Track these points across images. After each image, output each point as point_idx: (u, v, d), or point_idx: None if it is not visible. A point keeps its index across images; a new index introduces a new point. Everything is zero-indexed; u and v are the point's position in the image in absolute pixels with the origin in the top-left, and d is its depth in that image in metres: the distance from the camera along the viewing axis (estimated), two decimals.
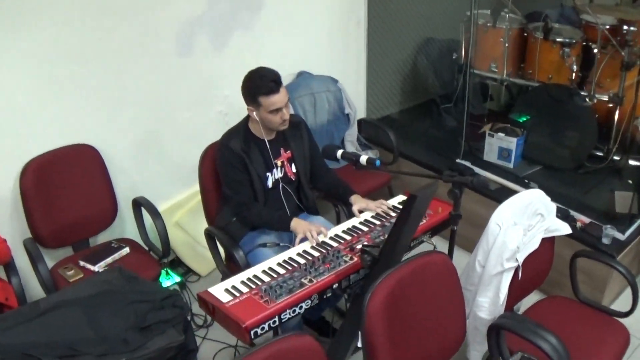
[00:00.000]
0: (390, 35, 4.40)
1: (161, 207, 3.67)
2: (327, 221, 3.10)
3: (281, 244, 2.91)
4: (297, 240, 2.73)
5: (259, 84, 2.71)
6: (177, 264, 3.80)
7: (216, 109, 3.72)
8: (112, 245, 3.22)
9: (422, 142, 4.31)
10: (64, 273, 3.03)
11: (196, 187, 3.23)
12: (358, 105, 4.42)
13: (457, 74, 4.39)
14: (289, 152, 3.00)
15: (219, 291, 2.41)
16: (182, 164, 3.65)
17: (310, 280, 2.41)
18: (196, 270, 3.74)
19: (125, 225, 3.53)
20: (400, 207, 2.96)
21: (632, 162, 3.91)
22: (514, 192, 3.63)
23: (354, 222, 2.87)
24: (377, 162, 2.66)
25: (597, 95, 3.87)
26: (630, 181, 3.81)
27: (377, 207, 2.93)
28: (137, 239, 3.37)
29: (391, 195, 4.10)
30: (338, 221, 3.76)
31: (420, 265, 2.27)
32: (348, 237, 2.73)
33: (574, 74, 3.95)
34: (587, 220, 3.42)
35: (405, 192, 3.10)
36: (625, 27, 3.79)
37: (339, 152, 2.77)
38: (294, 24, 3.94)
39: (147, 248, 3.34)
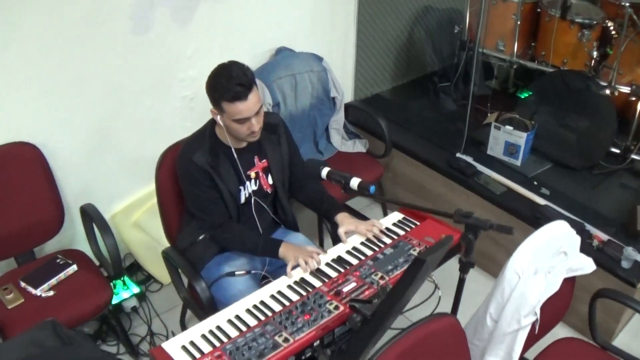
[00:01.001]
0: (383, 2, 3.83)
1: (117, 207, 3.23)
2: (309, 240, 2.67)
3: (252, 272, 2.47)
4: (289, 268, 2.30)
5: (224, 86, 2.20)
6: (136, 269, 3.35)
7: (180, 94, 3.20)
8: (58, 261, 2.75)
9: (417, 128, 3.81)
10: (3, 296, 2.58)
11: None
12: (345, 83, 3.91)
13: (459, 51, 3.86)
14: (264, 161, 2.52)
15: (175, 349, 1.98)
16: (142, 159, 3.15)
17: (286, 340, 1.97)
18: (158, 278, 3.29)
19: (75, 233, 3.06)
20: (395, 228, 2.51)
21: None
22: (522, 196, 3.23)
23: (339, 250, 2.42)
24: (372, 189, 2.19)
25: (617, 86, 3.39)
26: None
27: (368, 231, 2.48)
28: (89, 250, 2.90)
29: (382, 193, 3.66)
30: (320, 237, 3.37)
31: (426, 335, 1.83)
32: (333, 274, 2.28)
33: (593, 61, 3.45)
34: (604, 237, 3.00)
35: (400, 209, 2.65)
36: None
37: (324, 172, 2.30)
38: None
39: (97, 262, 2.88)
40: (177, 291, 2.63)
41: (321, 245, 3.35)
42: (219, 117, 2.30)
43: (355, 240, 2.47)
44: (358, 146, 3.54)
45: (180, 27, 3.04)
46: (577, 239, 2.35)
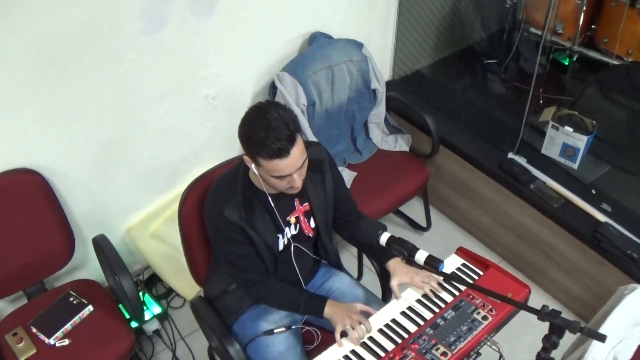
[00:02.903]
0: None
1: (134, 219, 2.92)
2: (355, 282, 2.38)
3: (293, 327, 2.20)
4: (337, 335, 2.01)
5: (262, 140, 1.81)
6: (156, 280, 3.08)
7: (202, 92, 2.79)
8: (71, 299, 2.46)
9: (462, 115, 3.40)
10: (13, 344, 2.33)
11: (176, 192, 2.48)
12: (384, 59, 3.47)
13: (510, 28, 3.39)
14: (306, 204, 2.18)
15: None
16: (158, 168, 2.84)
17: None
18: (180, 292, 3.01)
19: (88, 259, 2.76)
20: (454, 281, 2.21)
21: None
22: (580, 209, 2.90)
23: (394, 312, 2.12)
24: (442, 266, 1.86)
25: None
26: None
27: (424, 284, 2.17)
28: (104, 279, 2.62)
29: (426, 203, 3.31)
30: (360, 271, 3.11)
31: None
32: (388, 345, 1.99)
33: None
34: None
35: (459, 249, 2.34)
36: None
37: (384, 238, 1.94)
38: None
39: (114, 297, 2.60)
40: (208, 341, 2.37)
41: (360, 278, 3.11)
42: (253, 165, 1.94)
43: (410, 297, 2.16)
44: (400, 143, 3.17)
45: (200, 21, 2.59)
46: None
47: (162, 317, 2.91)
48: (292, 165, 1.86)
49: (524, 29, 3.34)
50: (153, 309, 2.88)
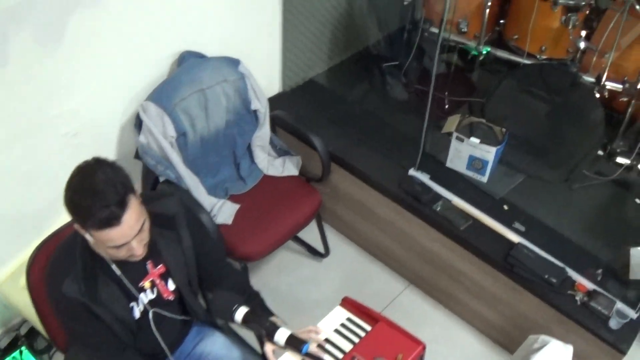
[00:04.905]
0: None
1: (3, 274, 2.58)
2: (230, 343, 2.06)
3: None
4: None
5: (87, 209, 1.50)
6: (36, 333, 2.70)
7: (59, 131, 2.39)
8: None
9: (360, 127, 3.05)
10: None
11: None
12: (272, 71, 3.09)
13: (410, 29, 3.06)
14: (161, 266, 1.82)
15: None
16: (24, 216, 2.46)
17: None
18: (60, 347, 2.61)
19: None
20: (338, 338, 1.86)
21: None
22: (490, 230, 2.61)
23: None
24: (305, 348, 1.51)
25: (607, 83, 2.73)
26: None
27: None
28: None
29: (321, 229, 2.95)
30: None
31: None
32: None
33: (578, 53, 2.76)
34: (590, 285, 2.45)
35: (344, 300, 1.99)
36: None
37: (239, 315, 1.59)
38: None
39: None
40: None
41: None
42: (87, 235, 1.57)
43: None
44: (289, 167, 2.80)
45: (48, 52, 2.18)
46: None
47: None
48: (126, 234, 1.55)
49: (424, 29, 3.02)
50: None
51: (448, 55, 3.12)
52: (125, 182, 1.54)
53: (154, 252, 1.77)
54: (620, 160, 2.86)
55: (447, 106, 3.04)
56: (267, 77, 3.08)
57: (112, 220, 1.49)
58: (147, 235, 1.64)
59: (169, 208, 1.83)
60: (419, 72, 3.23)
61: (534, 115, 2.82)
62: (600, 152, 2.90)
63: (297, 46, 3.10)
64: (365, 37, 3.35)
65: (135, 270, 1.77)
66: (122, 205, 1.50)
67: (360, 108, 3.18)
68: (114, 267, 1.70)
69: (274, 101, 3.06)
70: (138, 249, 1.60)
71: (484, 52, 3.07)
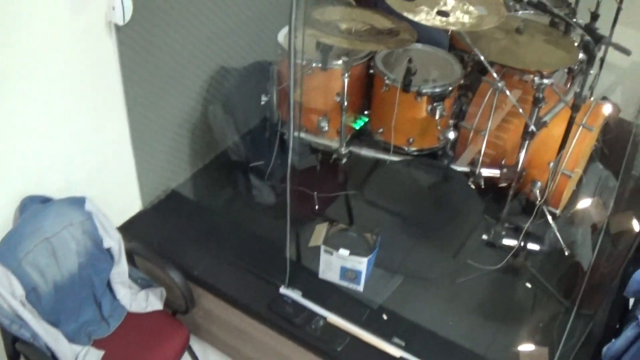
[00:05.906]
0: (158, 71, 2.73)
1: None
2: None
3: None
4: None
5: None
6: None
7: None
8: None
9: (227, 242, 2.82)
10: None
11: None
12: (130, 190, 2.86)
13: (269, 132, 2.90)
14: None
15: None
16: None
17: None
18: None
19: None
20: None
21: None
22: (370, 346, 2.45)
23: None
24: None
25: (482, 170, 2.65)
26: None
27: None
28: None
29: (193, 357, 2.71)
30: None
31: None
32: None
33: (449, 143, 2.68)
34: None
35: None
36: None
37: None
38: None
39: None
40: None
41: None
42: None
43: None
44: (152, 301, 2.54)
45: None
46: None
47: None
48: None
49: (282, 132, 2.86)
50: None
51: (311, 158, 2.97)
52: None
53: None
54: (506, 242, 2.79)
55: (317, 207, 2.88)
56: (125, 196, 2.84)
57: None
58: None
59: None
60: (284, 172, 3.07)
61: (403, 214, 2.70)
62: (484, 237, 2.82)
63: (154, 157, 2.86)
64: (224, 139, 3.15)
65: None
66: None
67: (227, 219, 2.95)
68: None
69: (132, 225, 2.83)
70: None
71: (345, 153, 2.92)
